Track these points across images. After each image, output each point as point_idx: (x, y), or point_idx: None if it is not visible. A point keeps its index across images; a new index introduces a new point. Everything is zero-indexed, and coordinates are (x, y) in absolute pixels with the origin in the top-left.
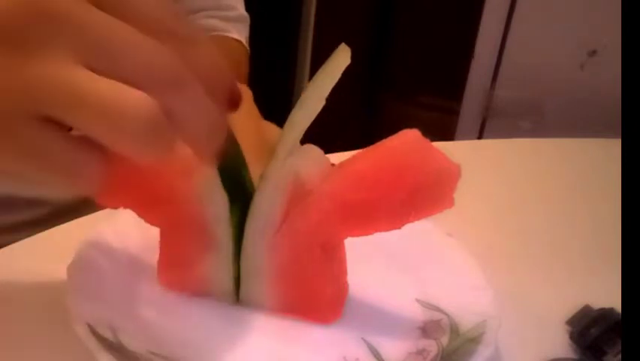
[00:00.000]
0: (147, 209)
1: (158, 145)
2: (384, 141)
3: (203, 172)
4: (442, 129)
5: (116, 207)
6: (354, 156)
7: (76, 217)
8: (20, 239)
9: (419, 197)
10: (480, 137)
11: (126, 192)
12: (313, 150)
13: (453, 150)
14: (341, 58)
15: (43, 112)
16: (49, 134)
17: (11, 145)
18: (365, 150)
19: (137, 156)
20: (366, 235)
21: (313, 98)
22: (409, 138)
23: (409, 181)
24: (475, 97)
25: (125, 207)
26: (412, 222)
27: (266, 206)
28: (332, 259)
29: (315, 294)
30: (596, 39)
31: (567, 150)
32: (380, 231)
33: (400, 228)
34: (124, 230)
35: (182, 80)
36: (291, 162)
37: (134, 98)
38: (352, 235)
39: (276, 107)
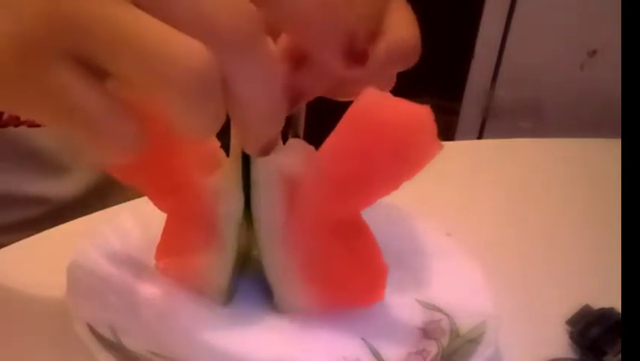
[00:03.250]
0: (159, 194)
1: (207, 110)
2: (348, 109)
3: (224, 170)
4: (442, 129)
5: (128, 183)
6: (329, 136)
7: (76, 217)
8: (19, 239)
9: (404, 150)
10: (480, 137)
11: (143, 171)
12: (296, 144)
13: (453, 150)
14: None
15: (81, 51)
16: (81, 80)
17: (35, 87)
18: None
19: (180, 120)
20: (370, 204)
21: None
22: (370, 97)
23: (387, 137)
24: (475, 97)
25: (138, 186)
26: (410, 178)
27: (264, 211)
28: (349, 241)
29: (344, 280)
30: (596, 39)
31: (567, 150)
32: (381, 196)
33: (398, 187)
34: (124, 230)
35: (250, 41)
36: (273, 161)
37: (187, 45)
38: (358, 209)
39: None
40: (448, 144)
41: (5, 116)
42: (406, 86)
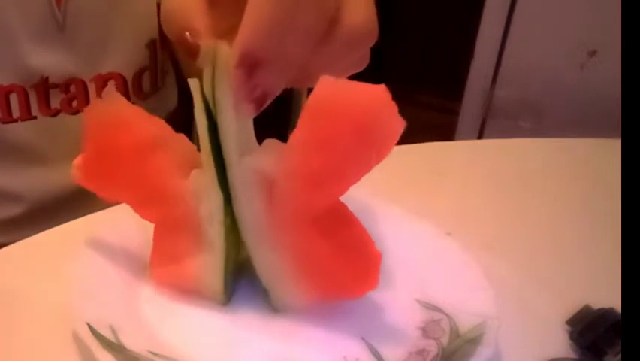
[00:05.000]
0: (142, 204)
1: None
2: (307, 102)
3: (201, 170)
4: (442, 129)
5: (112, 200)
6: (294, 130)
7: (53, 219)
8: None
9: (367, 132)
10: (480, 137)
11: (123, 185)
12: (271, 144)
13: (453, 150)
14: (223, 54)
15: None
16: None
17: None
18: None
19: None
20: (344, 191)
21: (224, 99)
22: (326, 85)
23: (348, 122)
24: (475, 97)
25: (121, 200)
26: (379, 161)
27: (246, 212)
28: (335, 232)
29: (335, 271)
30: (596, 39)
31: (567, 150)
32: (354, 182)
33: (369, 171)
34: (124, 230)
35: None
36: (247, 163)
37: None
38: (333, 198)
39: (276, 110)
40: (448, 144)
41: None
42: (407, 86)
